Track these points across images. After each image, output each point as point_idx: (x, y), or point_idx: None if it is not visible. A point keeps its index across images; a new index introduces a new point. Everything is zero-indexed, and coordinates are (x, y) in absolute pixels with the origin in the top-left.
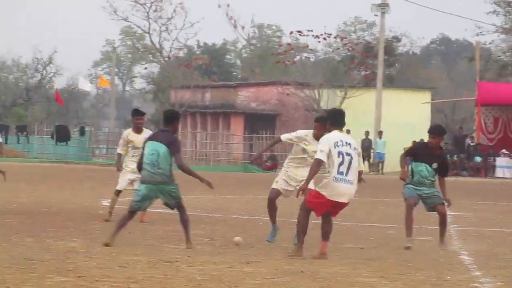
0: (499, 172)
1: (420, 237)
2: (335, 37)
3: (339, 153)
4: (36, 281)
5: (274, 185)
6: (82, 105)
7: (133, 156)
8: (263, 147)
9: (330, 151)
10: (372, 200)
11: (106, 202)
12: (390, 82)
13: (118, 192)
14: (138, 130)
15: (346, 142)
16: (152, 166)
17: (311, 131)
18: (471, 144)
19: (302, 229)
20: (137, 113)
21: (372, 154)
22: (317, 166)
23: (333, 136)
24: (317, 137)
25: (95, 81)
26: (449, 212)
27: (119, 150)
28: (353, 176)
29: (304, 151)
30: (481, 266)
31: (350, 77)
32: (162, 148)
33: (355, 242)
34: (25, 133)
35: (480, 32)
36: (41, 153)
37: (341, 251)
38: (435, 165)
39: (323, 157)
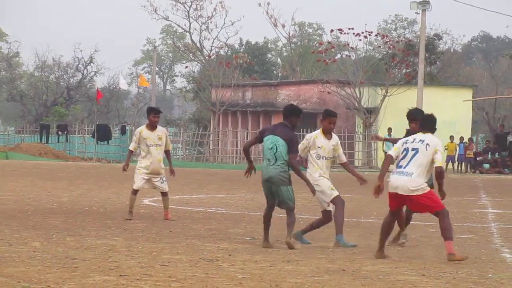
0: None
1: (462, 235)
2: (376, 35)
3: (405, 149)
4: (78, 280)
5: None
6: (123, 104)
7: (146, 154)
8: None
9: (400, 148)
10: None
11: (147, 201)
12: (431, 80)
13: (135, 191)
14: (152, 127)
15: (420, 140)
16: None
17: (319, 130)
18: None
19: (381, 229)
20: (154, 111)
21: None
22: (387, 160)
23: (413, 136)
24: (325, 132)
25: (136, 80)
26: (490, 210)
27: (131, 147)
28: (413, 169)
29: (318, 149)
30: None
31: (391, 75)
32: (280, 142)
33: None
34: (65, 132)
35: None
36: (82, 152)
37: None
38: None
39: (393, 153)
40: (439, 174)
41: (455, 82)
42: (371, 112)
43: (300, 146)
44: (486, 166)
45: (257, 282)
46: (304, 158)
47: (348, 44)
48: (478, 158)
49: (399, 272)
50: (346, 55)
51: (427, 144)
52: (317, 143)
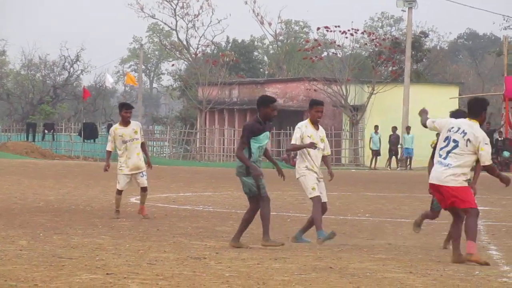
0: None
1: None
2: (362, 33)
3: (447, 138)
4: (65, 278)
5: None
6: (110, 102)
7: (124, 151)
8: (296, 147)
9: (443, 133)
10: (400, 195)
11: (134, 199)
12: (418, 78)
13: (120, 191)
14: (125, 123)
15: (463, 131)
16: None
17: (307, 120)
18: (499, 139)
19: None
20: (126, 106)
21: (400, 149)
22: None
23: (457, 121)
24: (313, 122)
25: (122, 79)
26: (478, 207)
27: (108, 147)
28: (452, 160)
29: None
30: (510, 261)
31: (378, 73)
32: None
33: (384, 238)
34: (52, 130)
35: (508, 26)
36: (69, 150)
37: (370, 247)
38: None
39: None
40: (489, 171)
41: (442, 79)
42: (358, 110)
43: (295, 135)
44: None
45: (244, 280)
46: (291, 155)
47: (335, 42)
48: None
49: (386, 270)
50: (333, 53)
51: (468, 140)
52: (307, 133)
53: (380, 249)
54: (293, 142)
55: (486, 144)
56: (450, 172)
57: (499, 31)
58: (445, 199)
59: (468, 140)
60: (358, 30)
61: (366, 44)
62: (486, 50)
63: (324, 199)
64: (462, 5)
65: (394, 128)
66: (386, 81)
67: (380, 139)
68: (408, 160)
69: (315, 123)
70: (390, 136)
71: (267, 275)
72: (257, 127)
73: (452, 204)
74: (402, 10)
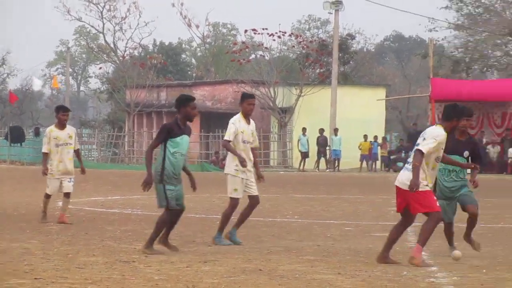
0: None
1: (377, 233)
2: (289, 35)
3: (416, 144)
4: None
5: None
6: (37, 105)
7: (56, 154)
8: (230, 150)
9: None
10: (329, 197)
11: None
12: (345, 80)
13: (48, 195)
14: (61, 126)
15: (425, 133)
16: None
17: (239, 114)
18: None
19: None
20: (63, 109)
21: (328, 151)
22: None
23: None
24: (245, 115)
25: (49, 82)
26: None
27: (44, 149)
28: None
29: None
30: (437, 261)
31: (305, 75)
32: None
33: (313, 239)
34: None
35: (433, 28)
36: None
37: (299, 249)
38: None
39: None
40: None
41: (369, 81)
42: (286, 112)
43: (229, 131)
44: (400, 164)
45: (174, 283)
46: (220, 157)
47: (262, 44)
48: (392, 157)
49: (315, 271)
50: (260, 55)
51: (423, 137)
52: (240, 128)
53: (309, 251)
54: (226, 138)
55: (424, 139)
56: (409, 175)
57: (424, 33)
58: (403, 202)
59: (424, 138)
60: (285, 32)
61: (293, 46)
62: (412, 52)
63: (256, 192)
64: (388, 7)
65: (322, 130)
66: (313, 83)
67: (308, 141)
68: (336, 161)
69: (247, 117)
70: (318, 138)
71: (197, 278)
72: (175, 128)
73: (409, 208)
74: (329, 13)
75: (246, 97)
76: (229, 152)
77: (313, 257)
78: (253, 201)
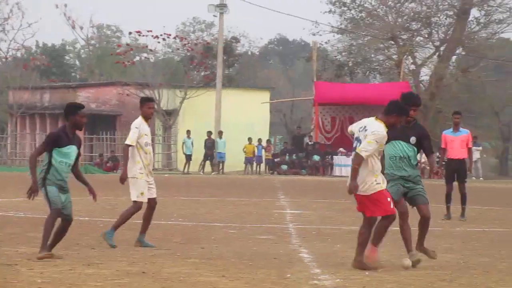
0: (337, 171)
1: (261, 235)
2: (174, 38)
3: (356, 138)
4: None
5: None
6: None
7: None
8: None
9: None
10: (213, 199)
11: None
12: (230, 82)
13: None
14: None
15: (365, 128)
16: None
17: (140, 118)
18: (310, 143)
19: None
20: None
21: (215, 154)
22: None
23: (362, 122)
24: (145, 118)
25: None
26: (289, 211)
27: None
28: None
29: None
30: (321, 263)
31: (190, 78)
32: None
33: (197, 242)
34: None
35: (317, 32)
36: None
37: (183, 251)
38: None
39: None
40: (353, 161)
41: (253, 84)
42: (171, 114)
43: (133, 135)
44: (284, 167)
45: (57, 286)
46: (104, 160)
47: (147, 47)
48: (276, 160)
49: (199, 273)
50: (145, 57)
51: (365, 130)
52: (144, 131)
53: (193, 253)
54: (128, 142)
55: (366, 136)
56: (360, 180)
57: (308, 37)
58: (360, 203)
59: (366, 131)
60: (170, 35)
61: (178, 49)
62: (296, 56)
63: (155, 194)
64: (272, 10)
65: (209, 133)
66: (198, 85)
67: (192, 143)
68: (221, 164)
69: (147, 120)
70: (206, 140)
71: (80, 280)
72: (63, 138)
73: (364, 210)
74: (213, 16)
75: (146, 101)
76: (130, 157)
77: (197, 259)
78: (153, 203)
